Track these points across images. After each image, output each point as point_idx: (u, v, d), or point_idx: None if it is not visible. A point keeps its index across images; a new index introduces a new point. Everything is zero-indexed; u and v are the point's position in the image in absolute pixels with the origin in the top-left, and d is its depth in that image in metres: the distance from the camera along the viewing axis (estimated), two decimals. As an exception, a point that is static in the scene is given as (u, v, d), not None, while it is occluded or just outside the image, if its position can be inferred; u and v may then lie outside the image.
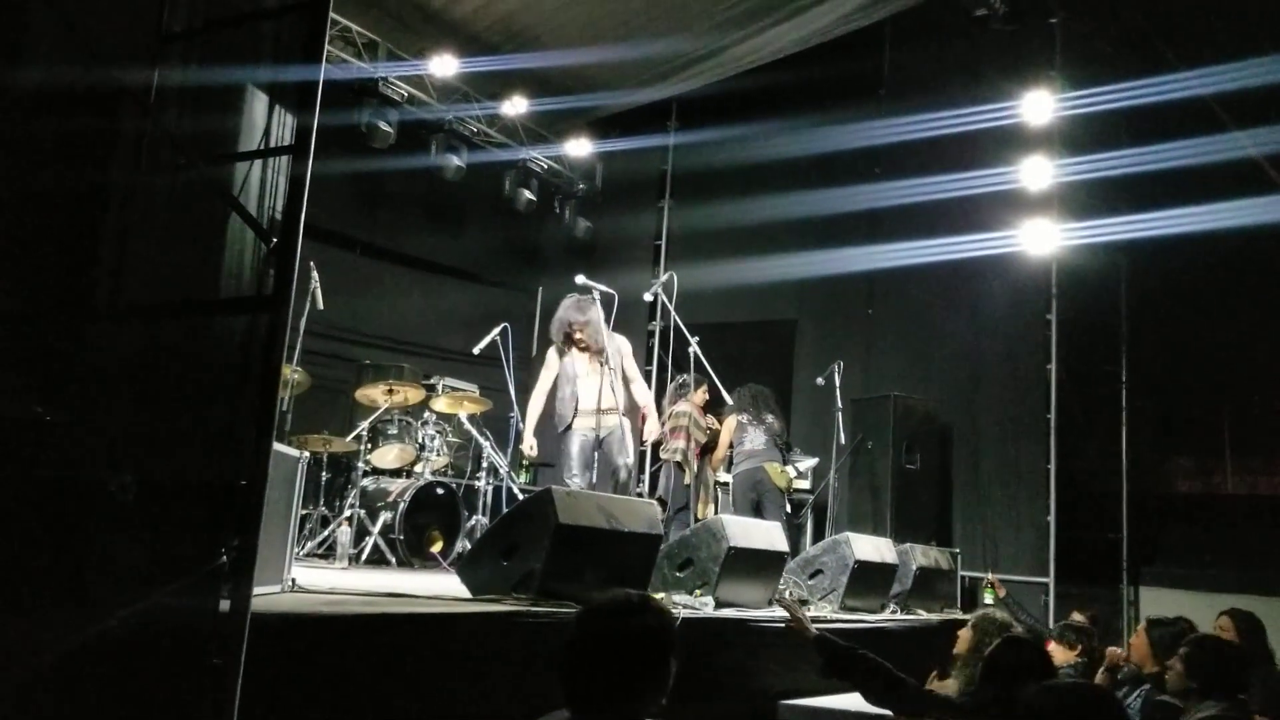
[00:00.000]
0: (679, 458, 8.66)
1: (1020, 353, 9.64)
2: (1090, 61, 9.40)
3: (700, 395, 8.73)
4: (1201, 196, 8.17)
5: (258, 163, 3.39)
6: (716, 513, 8.62)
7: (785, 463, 8.71)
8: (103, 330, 3.30)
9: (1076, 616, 7.22)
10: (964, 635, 5.08)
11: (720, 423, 8.92)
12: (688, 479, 8.76)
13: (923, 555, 7.65)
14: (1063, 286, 9.47)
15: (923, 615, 7.40)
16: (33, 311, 3.15)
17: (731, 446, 9.02)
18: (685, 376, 8.53)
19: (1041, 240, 9.42)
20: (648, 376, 10.84)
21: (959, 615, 7.90)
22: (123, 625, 2.76)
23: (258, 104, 3.52)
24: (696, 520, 8.23)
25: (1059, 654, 6.92)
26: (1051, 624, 8.07)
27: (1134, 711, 4.87)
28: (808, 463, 9.00)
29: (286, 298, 3.06)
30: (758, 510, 8.38)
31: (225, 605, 2.87)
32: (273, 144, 3.42)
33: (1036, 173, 9.44)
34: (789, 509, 8.61)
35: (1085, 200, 9.23)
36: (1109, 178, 8.80)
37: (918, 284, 10.03)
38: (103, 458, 3.15)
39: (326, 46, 3.34)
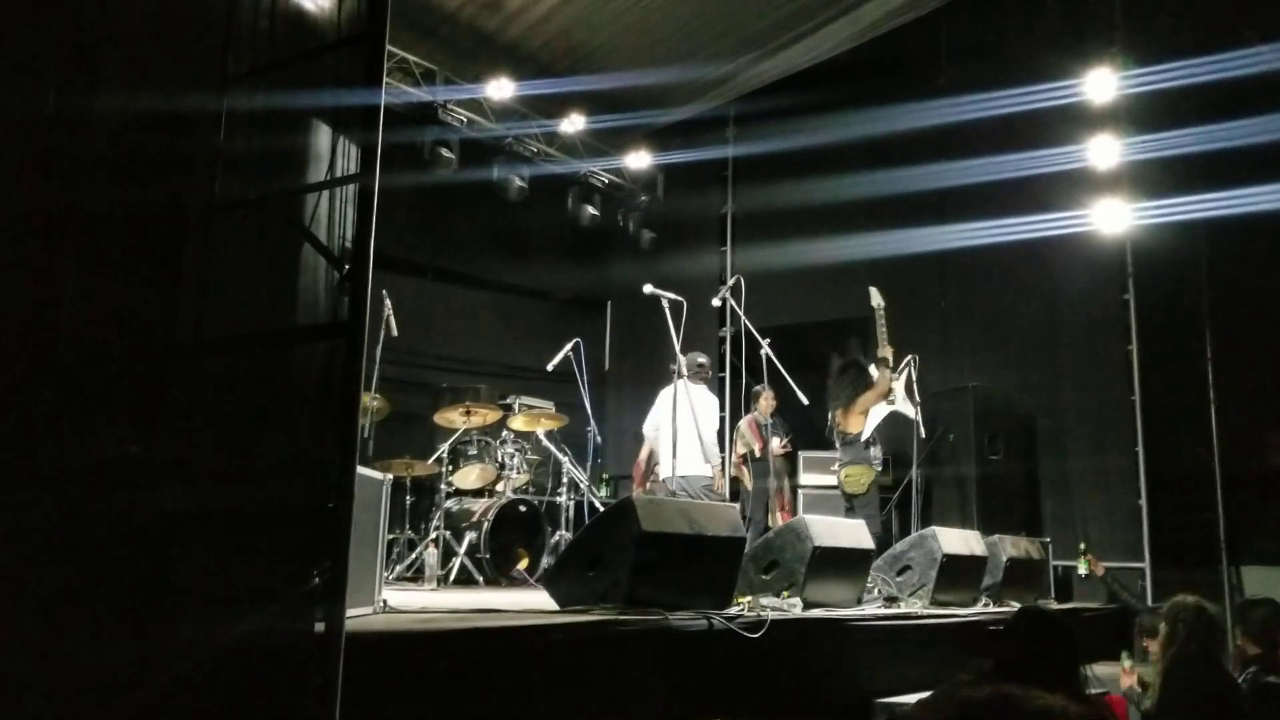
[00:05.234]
0: (734, 472, 8.86)
1: (1099, 334, 9.45)
2: (1153, 37, 9.19)
3: (765, 403, 8.79)
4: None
5: (326, 192, 3.46)
6: (778, 521, 8.66)
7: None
8: (188, 363, 3.38)
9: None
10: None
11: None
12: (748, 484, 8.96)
13: (1012, 546, 7.50)
14: (1139, 265, 9.25)
15: (1017, 607, 7.26)
16: (121, 348, 3.24)
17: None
18: (758, 388, 8.62)
19: (1114, 219, 9.23)
20: (720, 383, 10.84)
21: (1053, 605, 7.75)
22: (223, 649, 2.83)
23: (322, 136, 3.59)
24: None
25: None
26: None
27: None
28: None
29: (362, 321, 3.11)
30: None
31: (320, 626, 2.92)
32: (338, 174, 3.49)
33: (1104, 151, 9.26)
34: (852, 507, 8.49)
35: (1157, 178, 9.01)
36: (1181, 155, 8.57)
37: (990, 271, 9.89)
38: (194, 488, 3.23)
39: (385, 76, 3.41)
